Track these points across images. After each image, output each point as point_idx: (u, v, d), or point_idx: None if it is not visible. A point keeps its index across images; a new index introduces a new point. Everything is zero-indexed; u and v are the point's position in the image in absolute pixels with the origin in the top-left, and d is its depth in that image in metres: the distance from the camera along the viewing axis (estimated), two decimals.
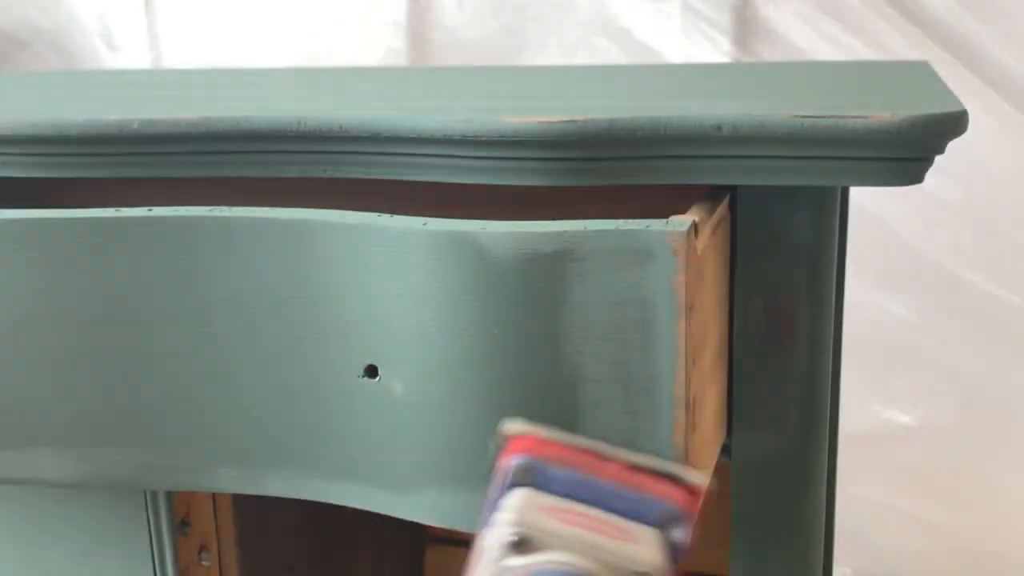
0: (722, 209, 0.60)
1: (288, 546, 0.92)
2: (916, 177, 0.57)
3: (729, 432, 0.64)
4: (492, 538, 0.47)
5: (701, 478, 0.50)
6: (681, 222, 0.52)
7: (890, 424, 1.46)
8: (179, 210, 0.59)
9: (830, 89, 0.73)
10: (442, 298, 0.54)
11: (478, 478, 0.56)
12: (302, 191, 0.68)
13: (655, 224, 0.51)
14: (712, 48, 1.47)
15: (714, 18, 1.46)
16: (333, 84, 0.88)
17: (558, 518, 0.47)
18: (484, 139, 0.57)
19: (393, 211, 0.56)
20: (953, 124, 0.55)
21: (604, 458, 0.50)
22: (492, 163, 0.58)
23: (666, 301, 0.52)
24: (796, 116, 0.55)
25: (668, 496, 0.49)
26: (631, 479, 0.49)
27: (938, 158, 0.57)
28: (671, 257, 0.51)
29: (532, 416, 0.54)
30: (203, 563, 0.79)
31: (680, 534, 0.48)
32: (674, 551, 0.48)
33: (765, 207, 0.61)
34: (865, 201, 1.36)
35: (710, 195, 0.60)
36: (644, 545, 0.47)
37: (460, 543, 1.15)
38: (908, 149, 0.55)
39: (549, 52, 1.53)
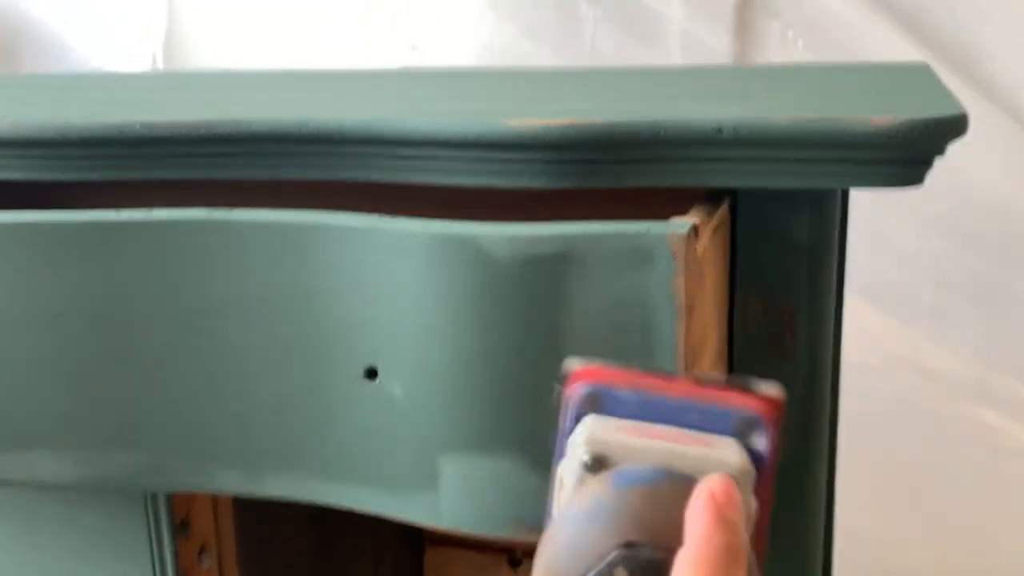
0: (722, 211, 0.60)
1: (288, 547, 0.92)
2: (916, 179, 0.57)
3: None
4: (566, 466, 0.45)
5: (778, 390, 0.47)
6: (681, 224, 0.52)
7: None
8: (178, 212, 0.59)
9: (830, 91, 0.73)
10: (442, 300, 0.54)
11: (478, 480, 0.56)
12: (303, 193, 0.68)
13: (655, 226, 0.51)
14: (712, 49, 1.47)
15: (714, 17, 1.46)
16: (334, 86, 0.88)
17: (638, 434, 0.45)
18: (485, 141, 0.57)
19: (394, 213, 0.56)
20: (953, 126, 0.55)
21: (671, 377, 0.47)
22: (493, 165, 0.58)
23: (666, 303, 0.52)
24: (796, 118, 0.55)
25: (744, 404, 0.46)
26: (702, 392, 0.46)
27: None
28: (671, 259, 0.51)
29: (529, 417, 0.54)
30: (203, 565, 0.79)
31: (761, 442, 0.45)
32: (756, 460, 0.45)
33: (765, 209, 0.61)
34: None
35: (710, 197, 0.60)
36: (729, 450, 0.44)
37: (460, 544, 1.15)
38: (908, 151, 0.55)
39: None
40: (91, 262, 0.60)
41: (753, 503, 0.44)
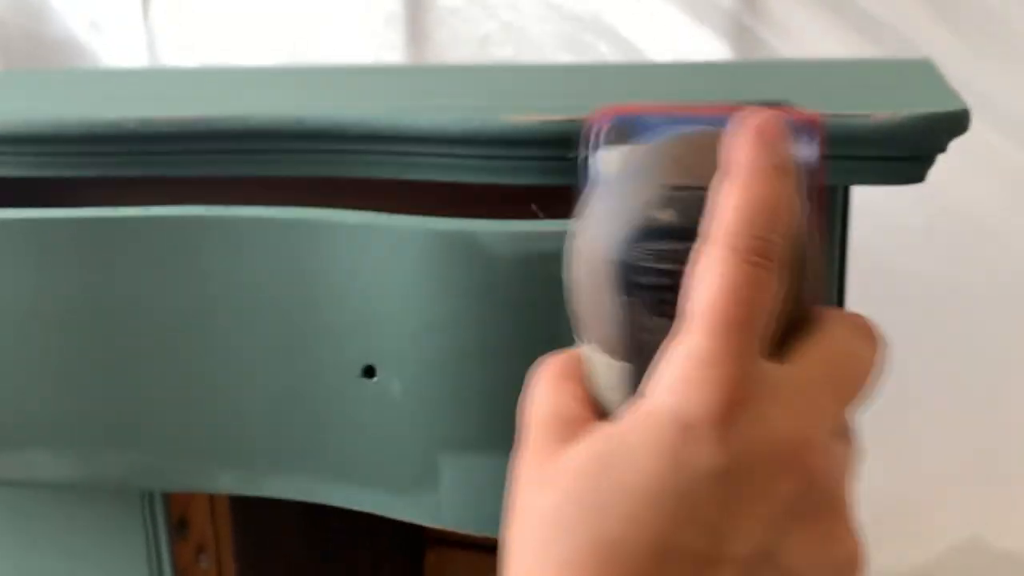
0: None
1: (286, 548, 0.92)
2: (917, 176, 0.56)
3: None
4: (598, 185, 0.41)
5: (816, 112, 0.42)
6: None
7: None
8: (176, 209, 0.59)
9: (831, 87, 0.73)
10: (441, 297, 0.54)
11: (478, 479, 0.56)
12: (301, 190, 0.67)
13: None
14: (712, 47, 1.47)
15: (714, 17, 1.46)
16: (332, 82, 0.88)
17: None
18: (484, 138, 0.57)
19: (393, 209, 0.56)
20: (955, 123, 0.55)
21: (695, 104, 0.43)
22: (492, 162, 0.58)
23: None
24: None
25: (788, 114, 0.41)
26: (739, 109, 0.41)
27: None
28: None
29: None
30: (201, 564, 0.79)
31: (806, 149, 0.41)
32: (804, 165, 0.41)
33: None
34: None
35: None
36: None
37: (460, 545, 1.15)
38: (910, 148, 0.55)
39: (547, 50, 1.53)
40: (87, 260, 0.59)
41: (801, 202, 0.38)
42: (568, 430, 0.36)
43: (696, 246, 0.35)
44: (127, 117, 0.63)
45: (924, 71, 0.78)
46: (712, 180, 0.36)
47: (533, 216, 0.57)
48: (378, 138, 0.60)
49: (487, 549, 1.13)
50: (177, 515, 0.74)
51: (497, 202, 0.67)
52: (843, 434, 0.36)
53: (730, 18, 1.46)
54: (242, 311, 0.59)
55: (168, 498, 0.71)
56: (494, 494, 0.56)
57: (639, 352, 0.37)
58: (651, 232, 0.36)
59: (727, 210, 0.34)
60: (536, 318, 0.53)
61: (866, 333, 0.37)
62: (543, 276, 0.53)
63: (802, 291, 0.37)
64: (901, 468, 1.46)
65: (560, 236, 0.52)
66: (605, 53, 1.52)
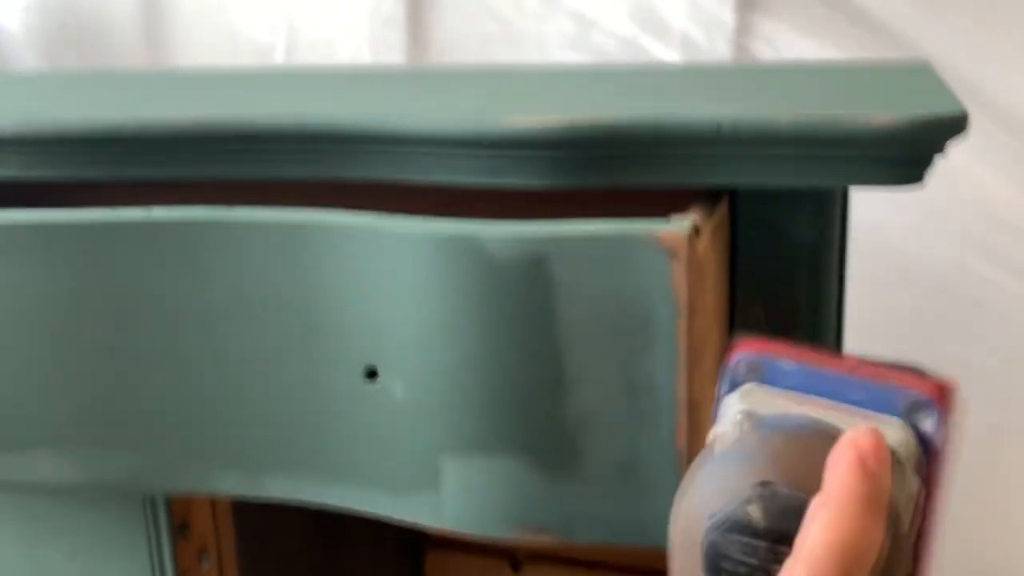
0: (722, 210, 0.60)
1: (288, 550, 0.92)
2: (916, 178, 0.56)
3: None
4: (719, 427, 0.44)
5: (951, 379, 0.44)
6: (681, 223, 0.51)
7: None
8: (178, 211, 0.59)
9: (830, 89, 0.73)
10: (443, 299, 0.54)
11: (479, 481, 0.56)
12: (302, 192, 0.68)
13: (655, 225, 0.51)
14: (711, 46, 1.47)
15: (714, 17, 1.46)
16: (333, 84, 0.88)
17: (795, 402, 0.44)
18: (484, 139, 0.57)
19: (394, 211, 0.56)
20: (954, 125, 0.55)
21: (838, 355, 0.46)
22: (492, 163, 0.58)
23: (667, 301, 0.52)
24: (796, 117, 0.55)
25: (914, 385, 0.43)
26: (870, 370, 0.44)
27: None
28: (672, 257, 0.51)
29: (531, 418, 0.54)
30: (203, 566, 0.79)
31: (930, 424, 0.43)
32: (924, 444, 0.43)
33: (765, 208, 0.61)
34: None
35: (710, 196, 0.60)
36: (890, 428, 0.42)
37: (461, 548, 1.15)
38: (908, 150, 0.55)
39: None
40: (89, 262, 0.59)
41: (916, 484, 0.42)
42: None
43: (776, 547, 0.39)
44: (128, 118, 0.63)
45: (922, 73, 0.78)
46: (806, 485, 0.39)
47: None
48: (379, 139, 0.60)
49: (487, 552, 1.13)
50: (179, 517, 0.74)
51: (498, 203, 0.67)
52: None
53: (730, 19, 1.46)
54: (244, 313, 0.59)
55: (170, 500, 0.71)
56: (495, 496, 0.56)
57: None
58: (740, 526, 0.39)
59: (816, 544, 0.37)
60: (537, 320, 0.53)
61: None
62: (545, 278, 0.53)
63: None
64: None
65: (561, 238, 0.52)
66: (607, 53, 1.51)
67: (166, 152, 0.64)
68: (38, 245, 0.60)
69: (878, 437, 0.40)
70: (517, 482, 0.55)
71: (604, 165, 0.57)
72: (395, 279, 0.55)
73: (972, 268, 1.42)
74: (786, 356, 0.45)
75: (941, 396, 0.44)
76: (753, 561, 0.39)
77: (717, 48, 1.43)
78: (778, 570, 0.38)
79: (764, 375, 0.45)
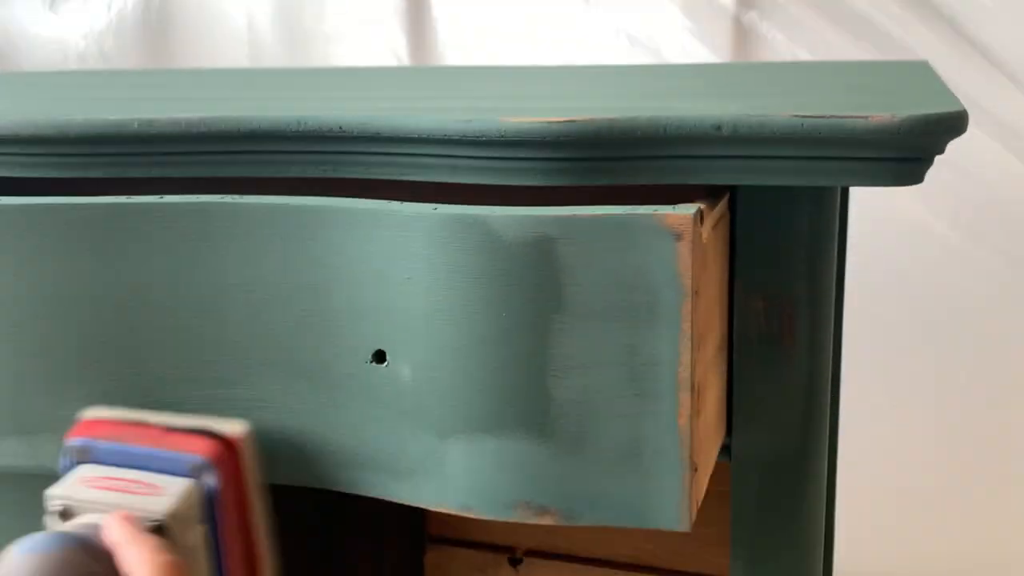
0: (721, 208, 0.60)
1: (287, 545, 0.92)
2: (916, 177, 0.57)
3: (729, 432, 0.65)
4: (48, 515, 0.56)
5: (238, 428, 0.58)
6: (688, 207, 0.52)
7: None
8: (190, 198, 0.59)
9: (830, 89, 0.73)
10: (451, 281, 0.55)
11: (485, 463, 0.56)
12: (302, 191, 0.68)
13: (662, 208, 0.52)
14: (711, 47, 1.47)
15: (715, 17, 1.46)
16: (333, 84, 0.88)
17: (97, 485, 0.56)
18: (484, 139, 0.57)
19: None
20: (953, 124, 0.55)
21: (146, 426, 0.58)
22: (492, 163, 0.58)
23: (672, 284, 0.52)
24: (796, 116, 0.55)
25: (196, 449, 0.57)
26: (165, 440, 0.57)
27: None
28: (678, 240, 0.52)
29: (536, 399, 0.55)
30: None
31: (210, 479, 0.56)
32: (209, 494, 0.56)
33: (764, 207, 0.61)
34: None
35: (709, 195, 0.60)
36: (165, 496, 0.55)
37: (461, 543, 1.15)
38: (908, 149, 0.55)
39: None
40: (102, 247, 0.60)
41: (201, 530, 0.56)
42: None
43: None
44: (129, 118, 0.63)
45: (922, 73, 0.78)
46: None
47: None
48: (379, 139, 0.61)
49: (487, 547, 1.13)
50: None
51: (498, 202, 0.67)
52: None
53: (730, 19, 1.46)
54: (253, 298, 0.59)
55: None
56: (501, 477, 0.56)
57: None
58: None
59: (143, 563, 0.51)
60: (543, 301, 0.54)
61: None
62: (552, 260, 0.53)
63: None
64: (902, 472, 1.46)
65: (568, 220, 0.53)
66: (609, 54, 1.52)
67: (167, 151, 0.64)
68: (50, 230, 0.60)
69: (122, 519, 0.53)
70: (521, 463, 0.56)
71: (604, 165, 0.57)
72: (404, 262, 0.56)
73: None
74: (106, 437, 0.58)
75: (217, 453, 0.57)
76: None
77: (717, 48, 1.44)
78: None
79: (92, 455, 0.58)
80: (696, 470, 0.56)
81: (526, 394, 0.55)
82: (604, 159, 0.57)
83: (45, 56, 1.70)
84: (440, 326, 0.55)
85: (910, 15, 1.36)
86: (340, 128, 0.61)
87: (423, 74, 0.99)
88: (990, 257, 1.41)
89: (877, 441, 1.44)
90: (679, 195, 0.59)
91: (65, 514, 0.55)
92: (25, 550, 0.50)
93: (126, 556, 0.51)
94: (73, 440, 0.58)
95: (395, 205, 0.56)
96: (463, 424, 0.56)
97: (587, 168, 0.57)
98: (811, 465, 0.64)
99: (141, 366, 0.61)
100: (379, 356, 0.58)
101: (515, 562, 1.13)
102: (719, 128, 0.56)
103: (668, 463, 0.55)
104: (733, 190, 0.62)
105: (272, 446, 0.61)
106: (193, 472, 0.56)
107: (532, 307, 0.54)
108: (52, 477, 0.58)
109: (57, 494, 0.56)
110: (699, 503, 0.57)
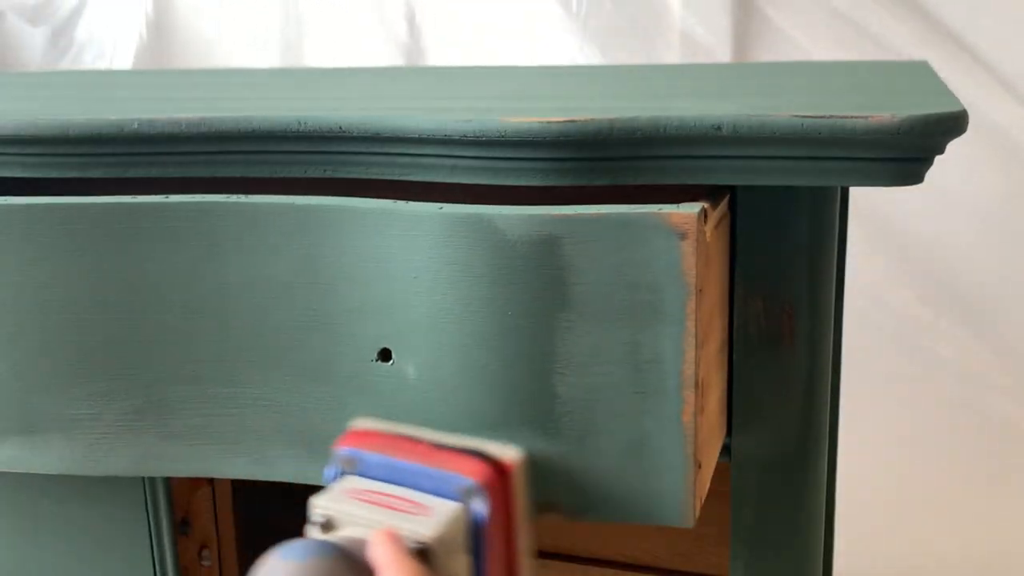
0: (722, 208, 0.60)
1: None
2: (916, 177, 0.57)
3: (729, 432, 0.65)
4: (310, 520, 0.54)
5: (513, 453, 0.54)
6: (692, 205, 0.53)
7: None
8: (195, 197, 0.59)
9: (830, 89, 0.73)
10: (456, 280, 0.55)
11: None
12: (302, 192, 0.68)
13: (666, 207, 0.53)
14: (712, 47, 1.47)
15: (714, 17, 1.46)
16: (333, 84, 0.88)
17: (362, 499, 0.53)
18: (484, 139, 0.57)
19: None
20: (953, 124, 0.55)
21: (415, 441, 0.55)
22: (492, 163, 0.58)
23: (676, 282, 0.53)
24: (796, 116, 0.55)
25: (468, 471, 0.53)
26: (435, 458, 0.54)
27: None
28: (682, 238, 0.52)
29: (541, 397, 0.55)
30: (204, 563, 0.79)
31: (479, 505, 0.52)
32: (477, 522, 0.53)
33: (765, 207, 0.61)
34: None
35: (709, 195, 0.60)
36: (433, 518, 0.52)
37: None
38: (908, 149, 0.55)
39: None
40: (106, 246, 0.60)
41: (466, 561, 0.52)
42: None
43: None
44: (130, 118, 0.64)
45: (921, 73, 0.78)
46: None
47: None
48: (379, 139, 0.61)
49: None
50: (180, 513, 0.74)
51: (498, 203, 0.67)
52: None
53: (730, 19, 1.46)
54: (258, 296, 0.59)
55: (171, 496, 0.72)
56: None
57: None
58: None
59: None
60: (548, 299, 0.54)
61: None
62: (557, 258, 0.53)
63: None
64: (902, 472, 1.47)
65: (573, 219, 0.53)
66: (607, 54, 1.52)
67: (167, 151, 0.64)
68: (55, 229, 0.60)
69: (390, 538, 0.50)
70: (529, 460, 0.56)
71: (604, 164, 0.57)
72: (409, 261, 0.56)
73: None
74: (372, 449, 0.55)
75: (490, 478, 0.53)
76: None
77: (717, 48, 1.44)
78: None
79: (357, 467, 0.55)
80: (699, 467, 0.56)
81: (531, 392, 0.55)
82: (604, 159, 0.57)
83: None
84: (445, 324, 0.56)
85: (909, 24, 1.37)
86: (340, 128, 0.61)
87: (423, 74, 0.99)
88: (993, 253, 1.41)
89: (877, 441, 1.44)
90: (681, 195, 0.59)
91: (327, 525, 0.53)
92: (287, 556, 0.49)
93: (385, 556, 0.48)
94: (342, 449, 0.56)
95: (401, 204, 0.56)
96: (468, 422, 0.56)
97: (587, 168, 0.57)
98: (811, 465, 0.65)
99: (145, 365, 0.62)
100: (384, 355, 0.58)
101: None
102: (719, 128, 0.56)
103: (672, 460, 0.55)
104: (733, 190, 0.62)
105: (274, 444, 0.61)
106: (462, 496, 0.53)
107: (537, 305, 0.54)
108: (52, 477, 0.58)
109: (321, 504, 0.53)
110: (702, 500, 0.57)
